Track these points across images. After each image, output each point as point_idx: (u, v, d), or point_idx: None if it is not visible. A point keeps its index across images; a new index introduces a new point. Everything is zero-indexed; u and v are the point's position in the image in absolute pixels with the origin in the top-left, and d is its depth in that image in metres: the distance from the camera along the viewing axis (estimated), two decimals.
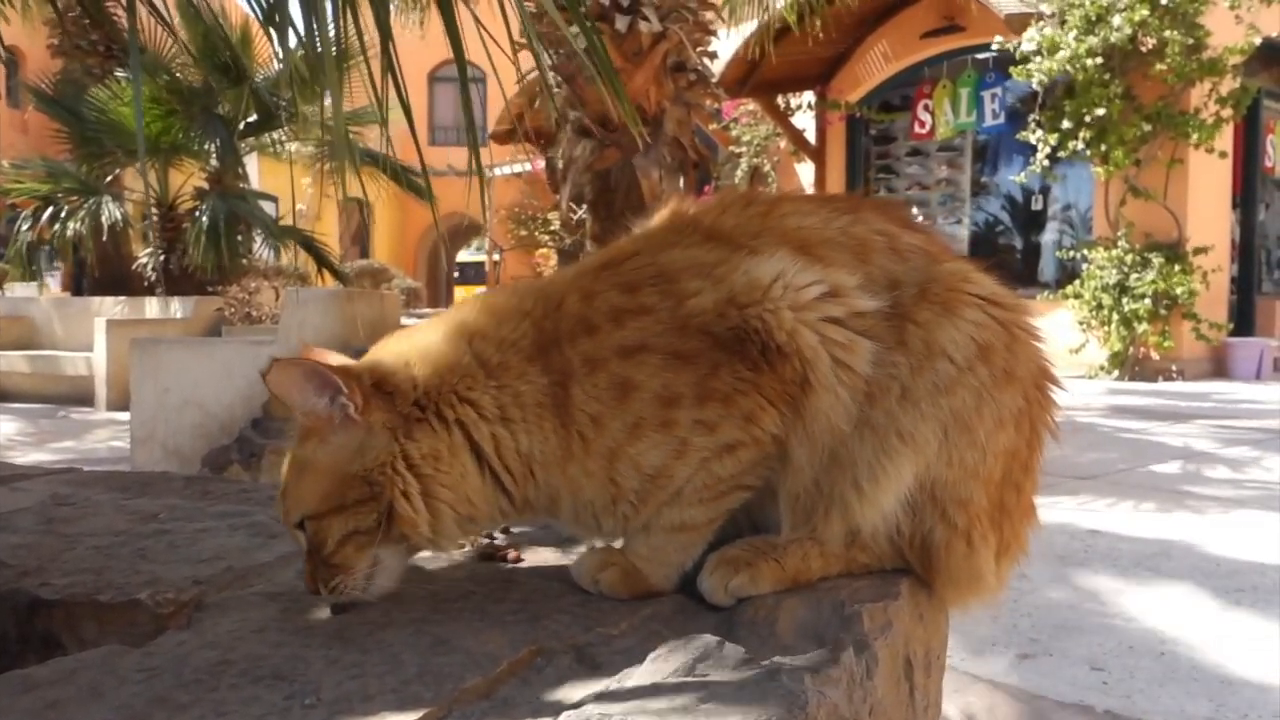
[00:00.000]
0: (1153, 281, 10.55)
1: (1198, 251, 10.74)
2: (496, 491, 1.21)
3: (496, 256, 15.98)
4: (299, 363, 1.16)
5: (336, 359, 1.24)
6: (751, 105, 14.45)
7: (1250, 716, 2.41)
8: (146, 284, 11.07)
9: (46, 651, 1.21)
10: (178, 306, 9.84)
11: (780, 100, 14.12)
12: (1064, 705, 2.50)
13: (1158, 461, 5.89)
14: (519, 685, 1.01)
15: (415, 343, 1.26)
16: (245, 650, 1.07)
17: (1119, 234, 10.96)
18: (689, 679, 0.96)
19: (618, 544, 1.34)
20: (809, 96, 14.11)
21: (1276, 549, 3.91)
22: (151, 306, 10.07)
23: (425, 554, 1.42)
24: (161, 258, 10.98)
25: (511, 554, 1.41)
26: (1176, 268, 10.62)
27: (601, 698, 0.93)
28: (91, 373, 9.23)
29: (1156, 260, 10.68)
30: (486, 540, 1.48)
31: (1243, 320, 12.36)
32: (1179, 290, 10.52)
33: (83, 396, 9.23)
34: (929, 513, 1.21)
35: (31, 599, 1.23)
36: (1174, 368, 10.91)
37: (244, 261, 11.04)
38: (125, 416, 7.49)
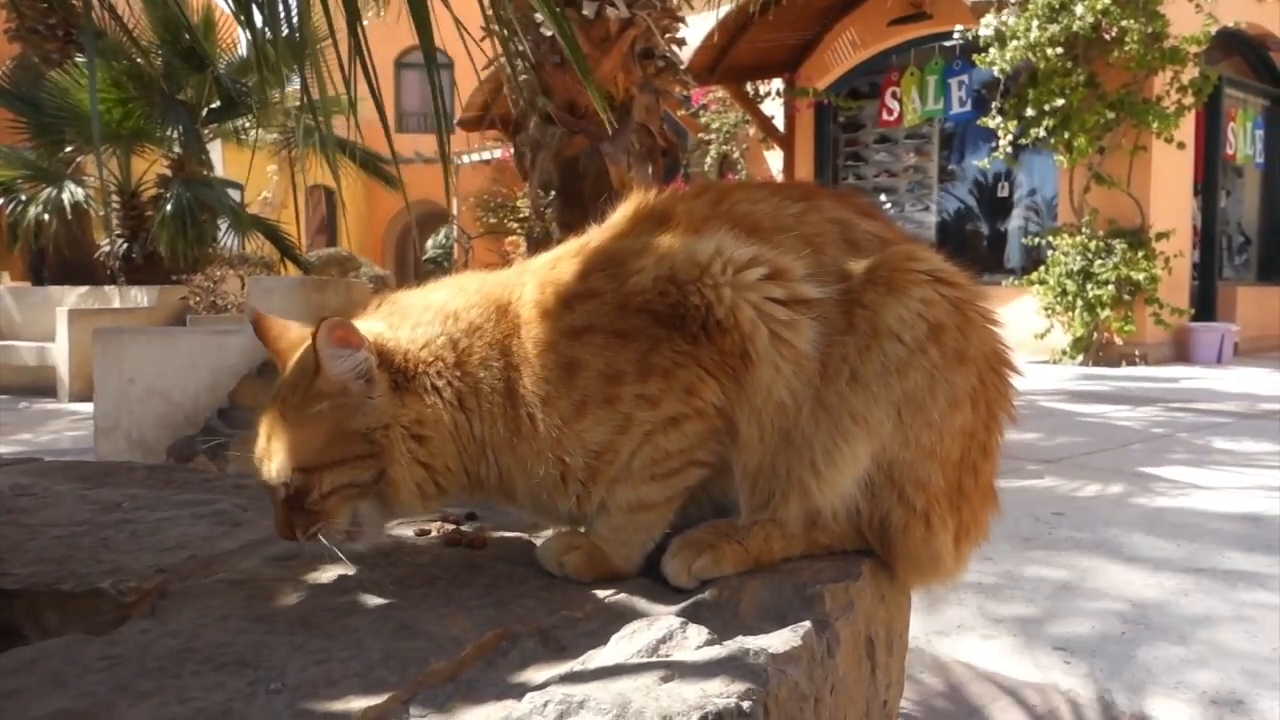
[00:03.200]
0: (1116, 267, 10.68)
1: (1160, 237, 10.88)
2: (461, 467, 1.25)
3: (467, 243, 15.90)
4: (345, 324, 1.20)
5: None
6: (720, 92, 14.45)
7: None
8: (109, 273, 10.91)
9: (7, 642, 1.20)
10: (141, 296, 9.71)
11: (749, 87, 14.13)
12: (1027, 684, 2.55)
13: (1121, 445, 5.98)
14: (484, 668, 1.02)
15: (398, 314, 1.30)
16: (209, 638, 1.07)
17: (1083, 220, 11.08)
18: (652, 659, 0.97)
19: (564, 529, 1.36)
20: (778, 84, 14.12)
21: (1236, 526, 3.99)
22: (114, 296, 9.94)
23: (388, 542, 1.42)
24: (124, 246, 10.82)
25: (477, 539, 1.41)
26: (1139, 254, 10.75)
27: (566, 679, 0.94)
28: (53, 363, 9.11)
29: (1120, 246, 10.81)
30: (452, 526, 1.49)
31: (1204, 306, 12.54)
32: (1141, 276, 10.66)
33: (44, 388, 9.11)
34: (887, 494, 1.23)
35: None
36: (1137, 352, 11.06)
37: (209, 250, 10.91)
38: (88, 408, 7.40)
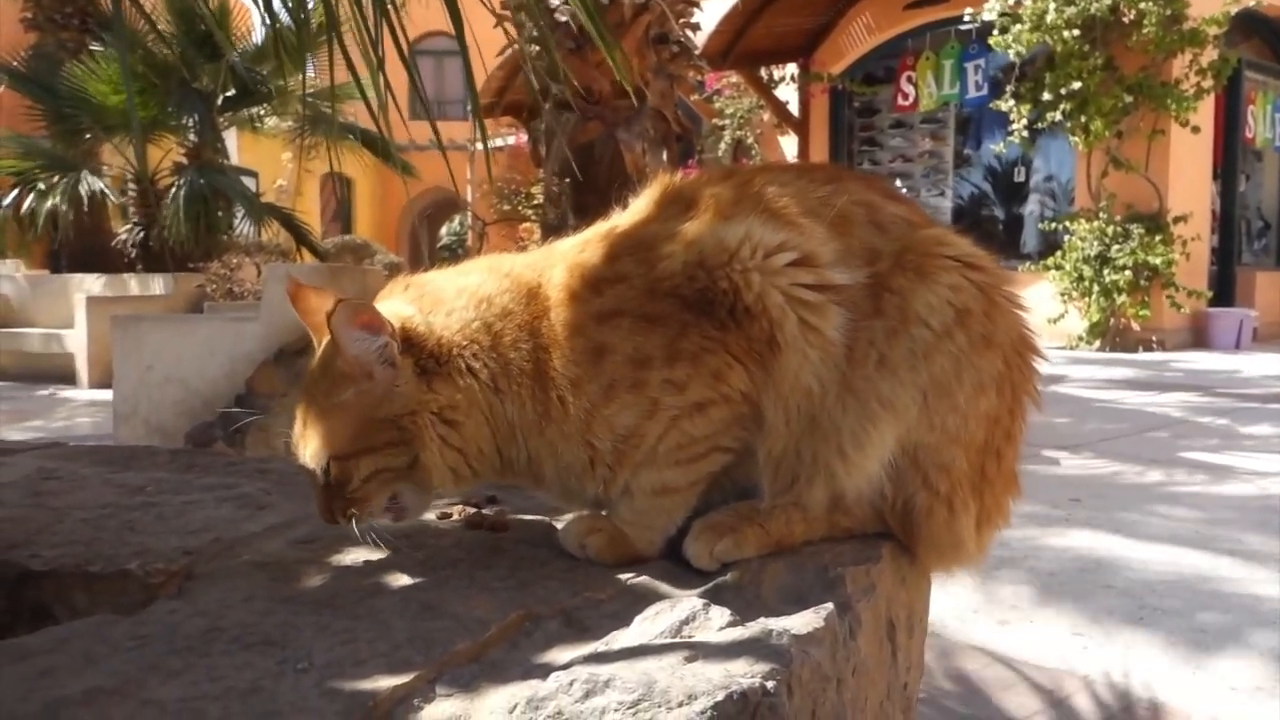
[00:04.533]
0: (1133, 252, 10.61)
1: (1178, 221, 10.80)
2: (494, 450, 1.26)
3: (481, 230, 15.89)
4: (363, 306, 1.20)
5: None
6: (734, 77, 14.39)
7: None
8: (126, 261, 10.97)
9: (37, 622, 1.22)
10: (158, 283, 9.77)
11: (763, 72, 14.08)
12: (1043, 669, 2.55)
13: (1140, 430, 5.95)
14: (508, 649, 1.03)
15: (430, 297, 1.30)
16: (235, 618, 1.08)
17: (1100, 205, 11.00)
18: (676, 640, 0.97)
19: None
20: (792, 69, 14.07)
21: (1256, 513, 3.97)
22: (131, 283, 10.00)
23: (412, 524, 1.43)
24: (141, 234, 10.88)
25: (499, 523, 1.42)
26: (1157, 239, 10.68)
27: (590, 659, 0.94)
28: (72, 350, 9.18)
29: (1137, 231, 10.74)
30: (473, 510, 1.50)
31: (1223, 291, 12.45)
32: (1159, 261, 10.58)
33: (64, 375, 9.18)
34: (911, 478, 1.23)
35: (21, 570, 1.24)
36: (1154, 338, 10.99)
37: (224, 238, 10.96)
38: (107, 395, 7.45)
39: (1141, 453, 5.25)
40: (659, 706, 0.82)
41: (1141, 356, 10.54)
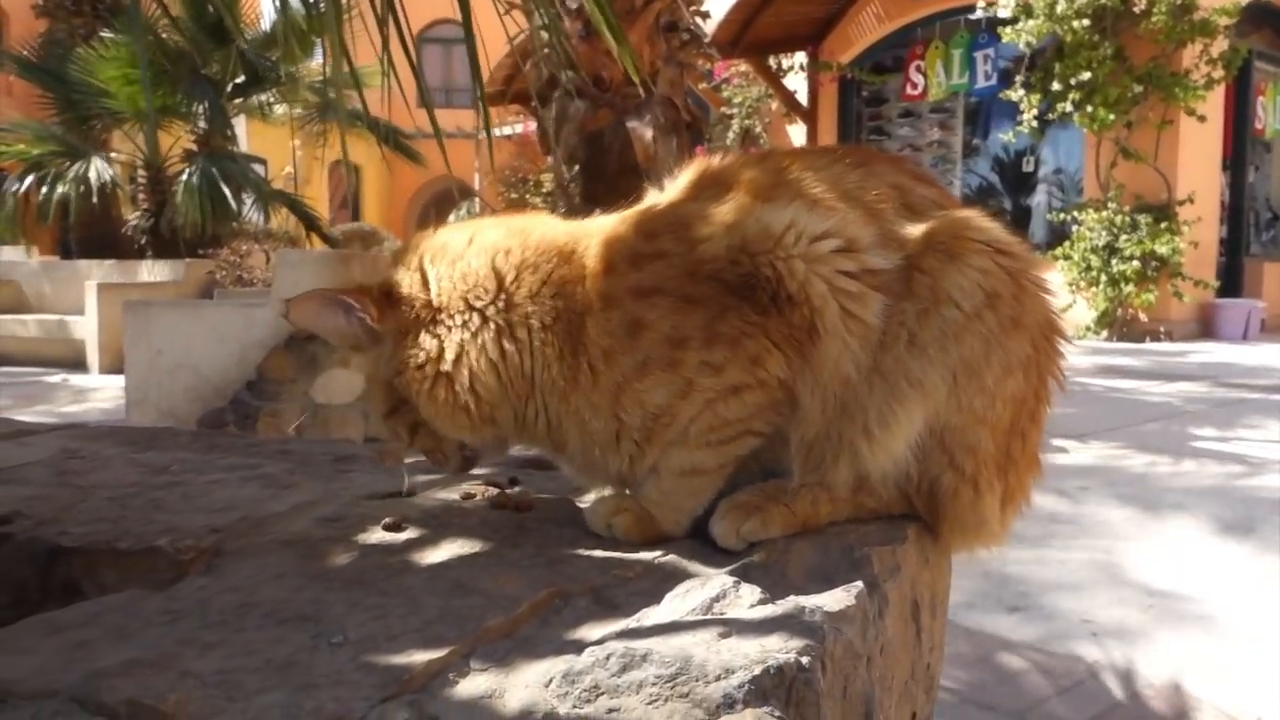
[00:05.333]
0: (1141, 242, 10.58)
1: (1184, 204, 10.76)
2: (505, 399, 1.27)
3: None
4: (313, 294, 1.27)
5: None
6: (743, 66, 14.35)
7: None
8: (136, 247, 10.99)
9: (67, 598, 1.23)
10: (169, 270, 9.79)
11: (772, 61, 14.04)
12: (1054, 655, 2.55)
13: (1145, 420, 5.94)
14: (539, 625, 1.03)
15: (436, 247, 1.32)
16: (267, 594, 1.08)
17: (1109, 195, 10.97)
18: (708, 617, 0.98)
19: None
20: (801, 57, 14.03)
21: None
22: (142, 270, 10.02)
23: (437, 504, 1.44)
24: (151, 221, 10.90)
25: (523, 502, 1.42)
26: (1165, 229, 10.65)
27: (623, 635, 0.95)
28: (82, 336, 9.20)
29: (1145, 221, 10.71)
30: (497, 490, 1.50)
31: (1231, 281, 12.42)
32: (1167, 251, 10.55)
33: (74, 360, 9.20)
34: (937, 458, 1.23)
35: (51, 547, 1.25)
36: (1162, 328, 10.97)
37: (234, 225, 10.97)
38: (118, 381, 7.47)
39: (1149, 442, 5.25)
40: (696, 680, 0.82)
41: (1149, 346, 10.52)
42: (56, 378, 8.63)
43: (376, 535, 1.30)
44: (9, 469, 1.60)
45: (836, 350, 1.20)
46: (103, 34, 10.53)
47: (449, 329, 1.26)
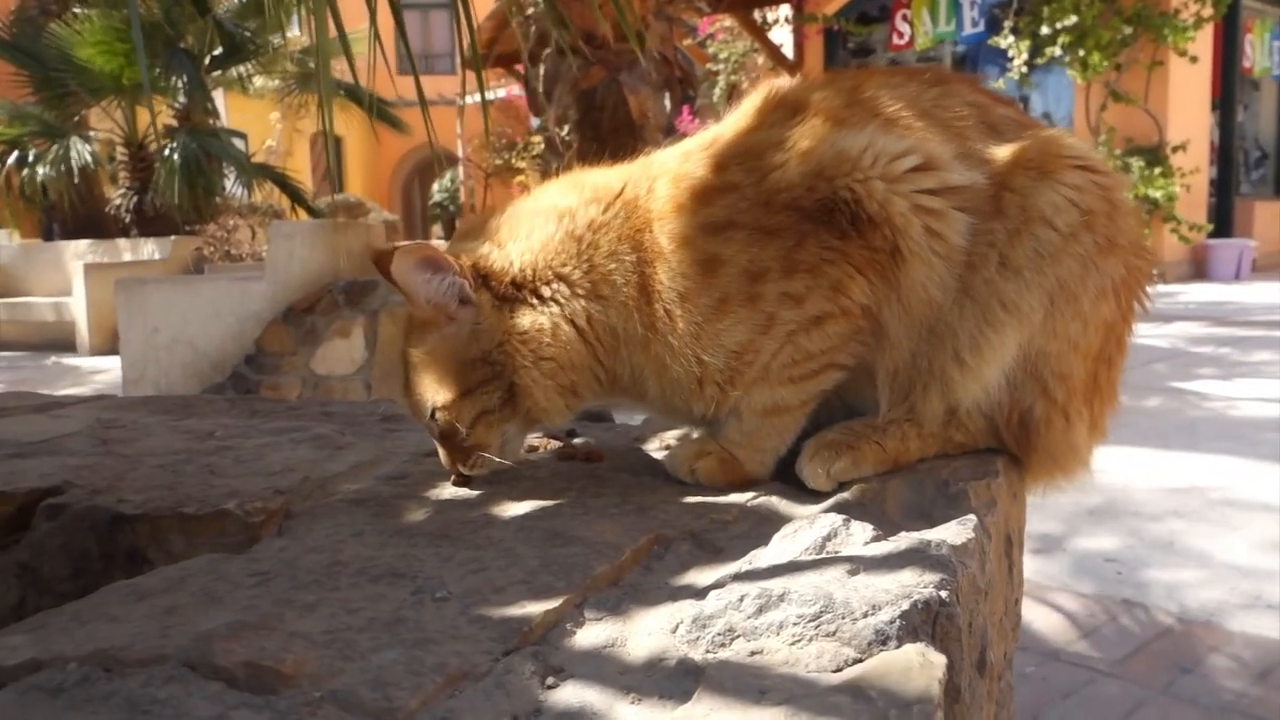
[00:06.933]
0: (1133, 186, 10.54)
1: (1175, 150, 10.72)
2: (597, 364, 1.23)
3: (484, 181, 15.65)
4: (416, 246, 1.20)
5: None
6: (728, 21, 14.18)
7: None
8: (120, 226, 10.83)
9: (132, 567, 1.18)
10: (154, 247, 9.65)
11: (757, 15, 13.86)
12: (1082, 596, 2.53)
13: (1146, 362, 5.93)
14: (642, 572, 0.99)
15: (507, 225, 1.27)
16: (352, 552, 1.04)
17: (1100, 139, 10.91)
18: (825, 556, 0.94)
19: (695, 434, 1.33)
20: (786, 10, 13.85)
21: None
22: (126, 249, 9.88)
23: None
24: (134, 199, 10.73)
25: (593, 453, 1.38)
26: (1157, 171, 10.61)
27: (740, 578, 0.91)
28: (71, 318, 9.08)
29: (1137, 165, 10.66)
30: (560, 443, 1.46)
31: (1222, 222, 12.41)
32: (1159, 194, 10.52)
33: (64, 343, 9.09)
34: (1030, 387, 1.19)
35: (113, 515, 1.19)
36: (1155, 271, 10.91)
37: (217, 200, 10.81)
38: (110, 361, 7.38)
39: (1151, 382, 5.24)
40: (843, 618, 0.78)
41: None
42: (48, 360, 8.52)
43: (448, 491, 1.25)
44: (49, 440, 1.55)
45: (921, 272, 1.15)
46: (75, 10, 10.29)
47: (540, 300, 1.21)
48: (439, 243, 1.46)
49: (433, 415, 1.22)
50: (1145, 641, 2.29)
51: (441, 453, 1.26)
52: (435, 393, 1.22)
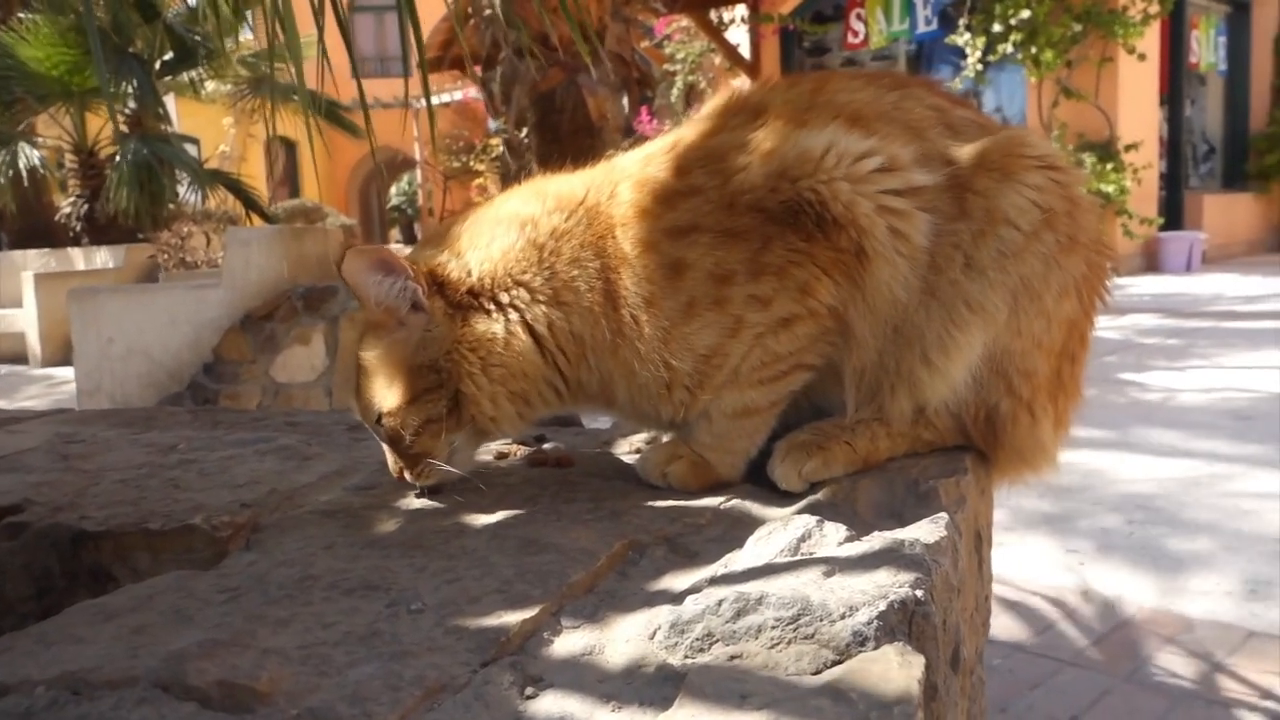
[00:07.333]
0: (1086, 181, 10.68)
1: (1128, 149, 10.89)
2: (553, 372, 1.22)
3: (443, 184, 15.53)
4: (371, 249, 1.19)
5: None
6: (684, 21, 14.20)
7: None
8: (71, 235, 10.63)
9: (96, 585, 1.16)
10: (107, 256, 9.48)
11: (713, 15, 13.89)
12: (1044, 588, 2.57)
13: (1100, 354, 6.02)
14: (618, 578, 0.99)
15: (467, 233, 1.26)
16: (324, 565, 1.03)
17: (1052, 135, 11.05)
18: (800, 558, 0.94)
19: (665, 438, 1.33)
20: (742, 10, 13.89)
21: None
22: (78, 258, 9.70)
23: (474, 466, 1.38)
24: (85, 207, 10.54)
25: (563, 458, 1.37)
26: (1109, 166, 10.77)
27: (717, 581, 0.91)
28: (21, 329, 8.90)
29: (1089, 160, 10.81)
30: (529, 449, 1.45)
31: (1172, 215, 12.61)
32: (1111, 189, 10.68)
33: (14, 354, 8.91)
34: (995, 385, 1.20)
35: (75, 533, 1.17)
36: (1109, 264, 11.11)
37: (171, 207, 10.64)
38: (63, 372, 7.25)
39: (1108, 374, 5.32)
40: (820, 620, 0.78)
41: None
42: (3, 371, 8.35)
43: (419, 501, 1.25)
44: (6, 457, 1.52)
45: (886, 272, 1.16)
46: (20, 15, 10.08)
47: (498, 307, 1.20)
48: (399, 247, 1.45)
49: (379, 420, 1.22)
50: (1108, 630, 2.32)
51: (389, 459, 1.25)
52: (382, 398, 1.21)
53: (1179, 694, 2.01)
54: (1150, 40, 11.11)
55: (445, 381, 1.20)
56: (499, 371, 1.20)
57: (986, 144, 1.19)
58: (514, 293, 1.20)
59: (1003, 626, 2.35)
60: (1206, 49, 13.14)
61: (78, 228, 10.57)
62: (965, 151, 1.19)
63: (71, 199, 10.79)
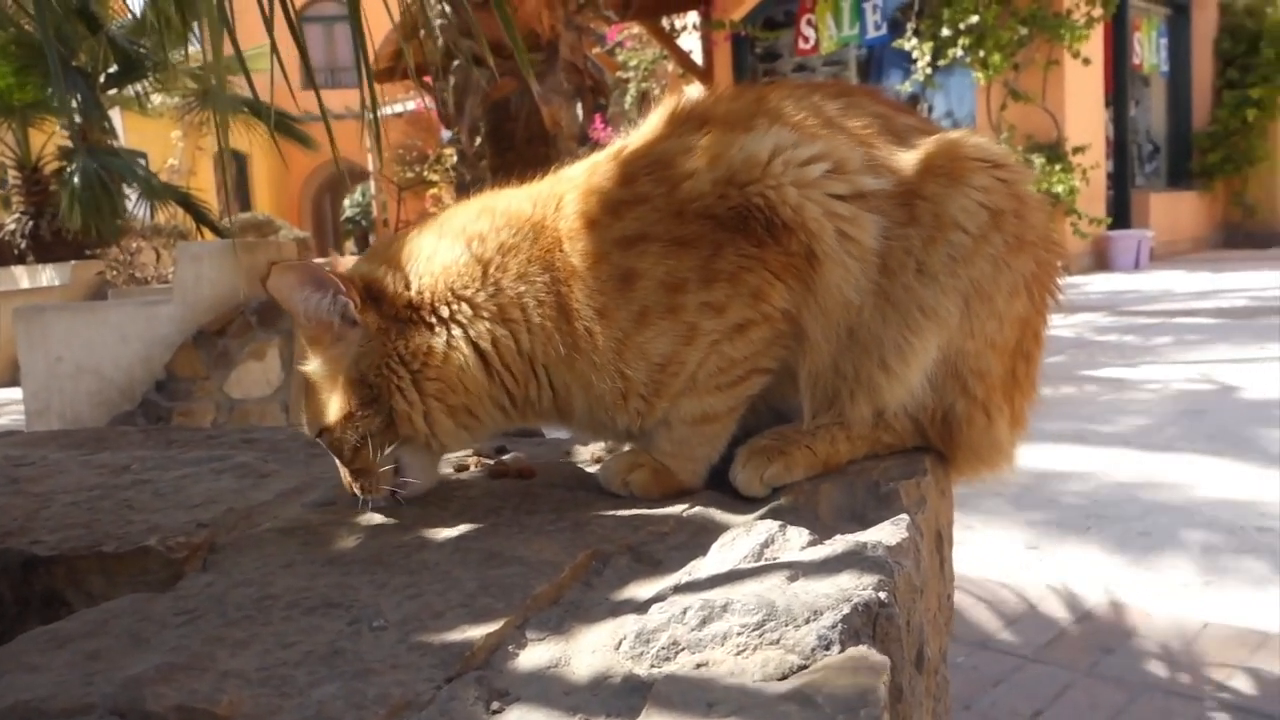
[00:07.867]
0: (1035, 182, 10.84)
1: (1076, 150, 11.08)
2: (499, 390, 1.21)
3: (397, 196, 15.41)
4: (298, 265, 1.18)
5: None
6: (636, 29, 14.24)
7: None
8: (16, 252, 10.42)
9: (49, 611, 1.14)
10: (53, 273, 9.30)
11: (665, 22, 13.94)
12: (1004, 585, 2.60)
13: (1054, 351, 6.11)
14: (582, 589, 0.98)
15: (411, 247, 1.26)
16: (283, 584, 1.01)
17: (1001, 138, 11.21)
18: (764, 563, 0.94)
19: (625, 448, 1.33)
20: (693, 17, 13.96)
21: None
22: (23, 276, 9.51)
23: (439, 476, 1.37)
24: (30, 224, 10.33)
25: (525, 469, 1.36)
26: (1058, 167, 10.95)
27: (683, 589, 0.91)
28: None
29: (1038, 161, 10.99)
30: (489, 461, 1.44)
31: (1120, 214, 12.85)
32: (1061, 189, 10.86)
33: None
34: (951, 386, 1.22)
35: (26, 558, 1.14)
36: (1058, 261, 11.28)
37: (119, 222, 10.46)
38: (10, 393, 7.09)
39: (1061, 372, 5.40)
40: (785, 625, 0.78)
41: None
42: None
43: (379, 516, 1.23)
44: None
45: (838, 274, 1.17)
46: None
47: (439, 320, 1.19)
48: (352, 259, 1.45)
49: (320, 435, 1.21)
50: (1068, 625, 2.35)
51: (342, 473, 1.25)
52: (322, 413, 1.21)
53: (1139, 686, 2.04)
54: (1094, 43, 11.32)
55: (379, 397, 1.19)
56: (434, 385, 1.19)
57: (932, 148, 1.20)
58: (455, 307, 1.19)
59: (965, 624, 2.37)
60: (1149, 50, 13.41)
61: (23, 245, 10.37)
62: (911, 157, 1.20)
63: (15, 216, 10.57)
